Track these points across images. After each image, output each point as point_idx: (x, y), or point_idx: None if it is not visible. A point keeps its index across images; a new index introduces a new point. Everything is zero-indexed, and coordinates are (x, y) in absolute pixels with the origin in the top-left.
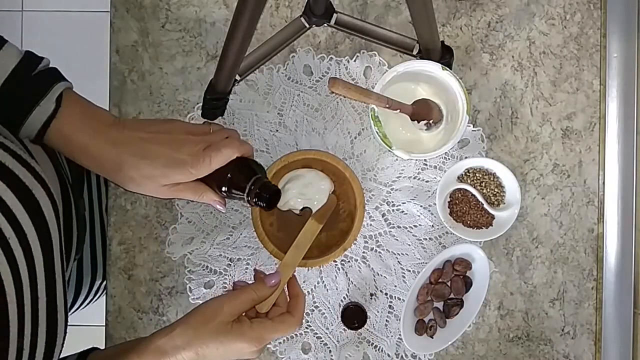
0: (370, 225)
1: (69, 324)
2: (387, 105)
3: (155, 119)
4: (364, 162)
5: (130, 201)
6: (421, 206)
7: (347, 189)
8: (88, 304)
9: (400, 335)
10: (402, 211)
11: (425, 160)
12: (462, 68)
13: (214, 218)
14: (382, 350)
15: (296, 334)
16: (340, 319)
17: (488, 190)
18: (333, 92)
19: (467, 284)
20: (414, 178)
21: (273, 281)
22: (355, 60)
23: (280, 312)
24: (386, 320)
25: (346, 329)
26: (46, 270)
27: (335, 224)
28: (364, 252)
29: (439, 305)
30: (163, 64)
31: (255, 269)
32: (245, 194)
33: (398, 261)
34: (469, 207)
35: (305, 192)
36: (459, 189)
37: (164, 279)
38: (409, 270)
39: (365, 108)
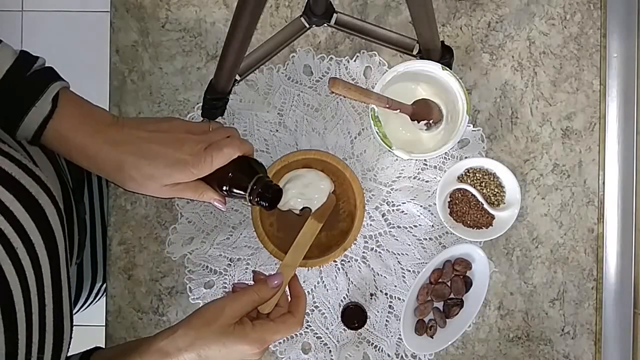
0: (370, 225)
1: None
2: (387, 105)
3: (154, 117)
4: (364, 162)
5: (130, 201)
6: (421, 206)
7: (347, 189)
8: (88, 306)
9: (400, 335)
10: (402, 211)
11: (425, 160)
12: (462, 68)
13: (214, 218)
14: (382, 350)
15: (296, 334)
16: (340, 319)
17: (488, 190)
18: (333, 92)
19: (467, 284)
20: (414, 178)
21: (275, 282)
22: (355, 60)
23: (281, 313)
24: (386, 320)
25: (346, 329)
26: (53, 277)
27: (335, 224)
28: (364, 252)
29: (439, 305)
30: (163, 64)
31: (254, 271)
32: (247, 194)
33: (398, 261)
34: (469, 207)
35: (305, 192)
36: (459, 189)
37: (164, 279)
38: (409, 270)
39: (365, 108)
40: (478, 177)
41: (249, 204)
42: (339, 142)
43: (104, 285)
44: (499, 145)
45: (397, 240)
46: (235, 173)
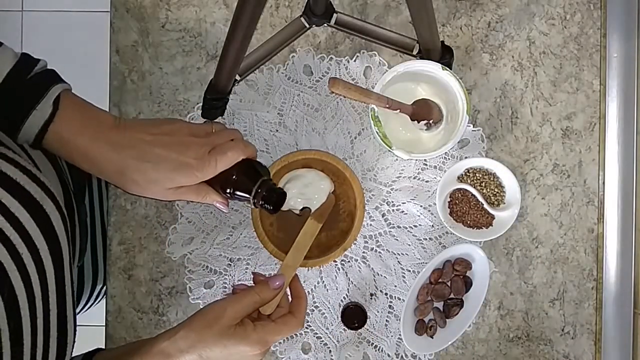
0: (370, 225)
1: None
2: (387, 105)
3: (157, 119)
4: (364, 162)
5: (130, 201)
6: (421, 206)
7: (347, 189)
8: (88, 308)
9: (400, 335)
10: (402, 211)
11: (425, 160)
12: (462, 68)
13: (214, 218)
14: (382, 350)
15: (296, 334)
16: (340, 319)
17: (488, 190)
18: (333, 92)
19: (467, 284)
20: (414, 178)
21: (277, 283)
22: (355, 60)
23: (282, 314)
24: (386, 320)
25: (346, 329)
26: (57, 283)
27: (335, 224)
28: (364, 252)
29: (439, 305)
30: (163, 64)
31: (254, 272)
32: (251, 197)
33: (398, 261)
34: (469, 207)
35: (305, 192)
36: (459, 189)
37: (164, 279)
38: (409, 270)
39: (365, 108)
40: (478, 177)
41: (253, 206)
42: (339, 142)
43: (104, 287)
44: (499, 145)
45: (397, 240)
46: (239, 176)
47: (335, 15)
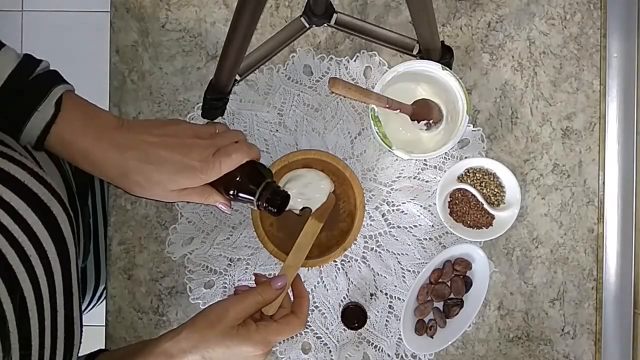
0: (370, 225)
1: None
2: (387, 105)
3: (159, 119)
4: (364, 162)
5: (131, 201)
6: (421, 206)
7: (347, 189)
8: (91, 309)
9: (400, 335)
10: (402, 211)
11: (425, 160)
12: (462, 68)
13: (214, 218)
14: (382, 350)
15: (296, 334)
16: (340, 319)
17: (488, 190)
18: (333, 92)
19: (467, 284)
20: (414, 178)
21: (279, 284)
22: (355, 60)
23: (284, 314)
24: (386, 320)
25: (346, 329)
26: (64, 284)
27: (335, 224)
28: (364, 252)
29: (439, 305)
30: (163, 64)
31: (255, 274)
32: (255, 199)
33: (398, 261)
34: (469, 207)
35: (305, 192)
36: (459, 189)
37: (164, 279)
38: (409, 270)
39: (365, 108)
40: (478, 177)
41: (256, 208)
42: (339, 142)
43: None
44: (499, 145)
45: (397, 240)
46: (243, 178)
47: (335, 15)
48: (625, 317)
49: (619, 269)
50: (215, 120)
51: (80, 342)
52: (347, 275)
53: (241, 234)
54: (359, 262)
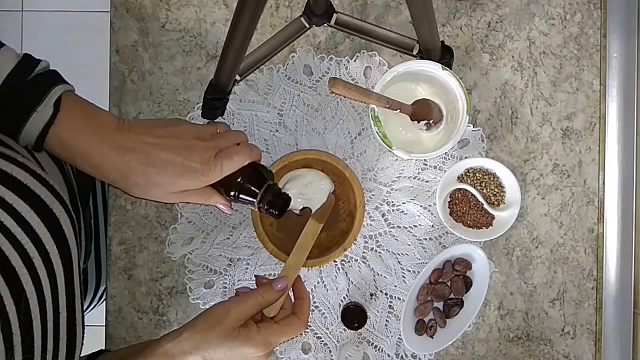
0: (370, 225)
1: None
2: (387, 105)
3: (161, 119)
4: (364, 162)
5: (131, 201)
6: (421, 206)
7: (347, 189)
8: (92, 309)
9: (400, 335)
10: (402, 211)
11: (425, 160)
12: (462, 68)
13: (214, 218)
14: (382, 350)
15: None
16: (340, 319)
17: (488, 190)
18: (333, 92)
19: (467, 284)
20: (414, 178)
21: (280, 285)
22: (355, 60)
23: (285, 315)
24: (386, 320)
25: (346, 329)
26: (66, 286)
27: (335, 224)
28: (364, 252)
29: (439, 305)
30: (163, 64)
31: (256, 275)
32: (256, 201)
33: (398, 261)
34: (469, 207)
35: (305, 192)
36: (459, 189)
37: (164, 279)
38: (409, 270)
39: (365, 108)
40: (478, 177)
41: (257, 210)
42: (339, 142)
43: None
44: (499, 145)
45: (397, 240)
46: (244, 180)
47: (335, 15)
48: (625, 317)
49: (619, 269)
50: (216, 120)
51: (83, 343)
52: (347, 275)
53: (241, 234)
54: (359, 262)
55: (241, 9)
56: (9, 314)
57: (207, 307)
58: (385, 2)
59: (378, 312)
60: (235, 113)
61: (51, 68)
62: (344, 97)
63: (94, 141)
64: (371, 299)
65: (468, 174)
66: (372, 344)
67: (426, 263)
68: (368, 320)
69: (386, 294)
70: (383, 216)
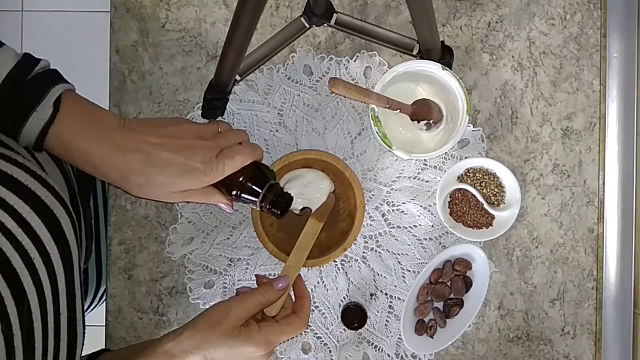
0: (370, 225)
1: None
2: (387, 105)
3: (162, 119)
4: (364, 162)
5: (131, 201)
6: (421, 206)
7: (347, 189)
8: (92, 309)
9: (400, 335)
10: (402, 211)
11: (425, 160)
12: (462, 68)
13: (214, 218)
14: (382, 350)
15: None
16: (340, 319)
17: (488, 190)
18: (333, 92)
19: (467, 284)
20: (414, 178)
21: (281, 284)
22: (355, 60)
23: (286, 314)
24: (386, 320)
25: (346, 329)
26: (67, 286)
27: (335, 224)
28: (364, 252)
29: (439, 305)
30: (163, 64)
31: (256, 275)
32: (258, 200)
33: (398, 261)
34: (469, 207)
35: (305, 192)
36: (459, 189)
37: (164, 279)
38: (409, 270)
39: (365, 108)
40: (478, 177)
41: (259, 210)
42: (339, 142)
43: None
44: (499, 145)
45: (397, 240)
46: (246, 179)
47: (335, 15)
48: (625, 317)
49: (619, 269)
50: (223, 121)
51: (83, 344)
52: (347, 275)
53: (241, 234)
54: (359, 262)
55: (241, 9)
56: (9, 315)
57: (207, 307)
58: (385, 2)
59: (378, 312)
60: (235, 113)
61: (52, 68)
62: (344, 97)
63: (94, 141)
64: (371, 299)
65: (468, 174)
66: (372, 344)
67: (426, 263)
68: (368, 320)
69: (386, 294)
70: (383, 216)
